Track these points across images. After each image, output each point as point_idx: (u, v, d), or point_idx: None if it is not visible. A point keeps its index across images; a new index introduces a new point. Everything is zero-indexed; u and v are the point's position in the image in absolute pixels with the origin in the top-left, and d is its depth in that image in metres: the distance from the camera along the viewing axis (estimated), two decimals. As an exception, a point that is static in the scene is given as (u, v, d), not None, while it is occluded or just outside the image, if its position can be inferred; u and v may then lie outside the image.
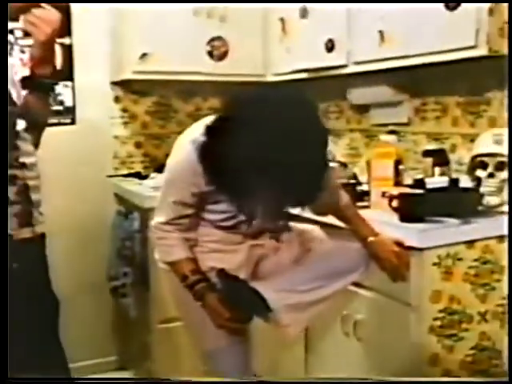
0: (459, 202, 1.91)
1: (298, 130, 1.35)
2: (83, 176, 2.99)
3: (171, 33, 2.77)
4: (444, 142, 2.46)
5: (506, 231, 1.86)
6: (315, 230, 1.85)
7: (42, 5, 1.55)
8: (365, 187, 2.26)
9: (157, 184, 2.19)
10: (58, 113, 2.93)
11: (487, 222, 1.89)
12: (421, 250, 1.79)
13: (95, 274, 2.92)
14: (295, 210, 1.65)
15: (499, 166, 2.01)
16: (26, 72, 1.63)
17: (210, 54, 2.90)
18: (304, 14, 2.70)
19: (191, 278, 1.63)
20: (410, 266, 1.76)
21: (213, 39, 2.89)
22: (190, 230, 1.67)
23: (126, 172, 3.13)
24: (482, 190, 1.99)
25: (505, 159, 1.98)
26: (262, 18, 3.00)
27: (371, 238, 1.73)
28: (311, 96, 1.44)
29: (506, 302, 1.90)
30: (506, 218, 1.86)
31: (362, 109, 2.90)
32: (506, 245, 1.88)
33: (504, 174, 1.99)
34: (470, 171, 2.11)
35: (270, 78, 2.98)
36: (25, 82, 1.63)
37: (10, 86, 1.57)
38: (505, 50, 1.93)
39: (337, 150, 3.02)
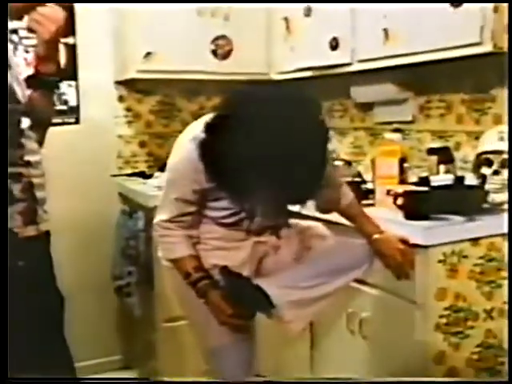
0: (464, 200, 1.90)
1: (297, 128, 1.35)
2: (87, 175, 3.00)
3: (175, 32, 2.77)
4: (449, 139, 2.46)
5: (505, 230, 1.85)
6: (319, 227, 1.85)
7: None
8: (369, 185, 2.25)
9: (161, 183, 2.18)
10: (62, 112, 2.93)
11: (492, 220, 1.88)
12: (426, 247, 1.78)
13: (99, 274, 2.93)
14: (295, 208, 1.65)
15: (504, 164, 2.00)
16: (30, 71, 1.63)
17: (214, 52, 2.90)
18: (308, 12, 2.70)
19: (194, 275, 1.64)
20: (415, 263, 1.76)
21: (217, 38, 2.89)
22: (193, 228, 1.68)
23: (130, 171, 3.14)
24: (487, 187, 1.98)
25: (510, 156, 1.98)
26: (266, 16, 3.00)
27: (376, 236, 1.74)
28: (315, 94, 1.45)
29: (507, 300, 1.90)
30: (506, 217, 1.85)
31: (366, 107, 2.90)
32: (505, 244, 1.87)
33: (509, 171, 1.98)
34: (475, 169, 2.10)
35: (274, 77, 2.98)
36: (29, 81, 1.63)
37: (14, 84, 1.57)
38: (510, 47, 1.92)
39: (341, 148, 3.02)
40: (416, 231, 1.79)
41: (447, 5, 2.01)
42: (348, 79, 2.75)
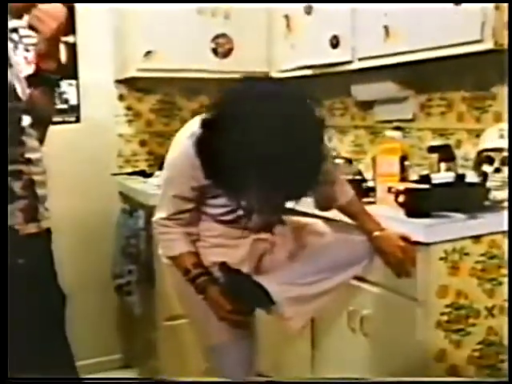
0: (465, 197, 1.90)
1: (293, 124, 1.34)
2: (88, 174, 3.00)
3: (175, 30, 2.77)
4: (449, 137, 2.45)
5: (505, 227, 1.85)
6: (318, 224, 1.85)
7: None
8: (370, 184, 2.25)
9: (161, 182, 2.19)
10: (62, 111, 2.94)
11: (493, 217, 1.88)
12: (427, 244, 1.78)
13: (100, 272, 2.93)
14: (289, 204, 1.64)
15: (505, 161, 2.00)
16: (31, 70, 1.63)
17: (215, 51, 2.90)
18: (309, 10, 2.69)
19: (193, 272, 1.64)
20: (417, 260, 1.76)
21: (217, 36, 2.89)
22: (191, 225, 1.68)
23: (130, 170, 3.14)
24: (489, 184, 1.98)
25: (510, 154, 1.97)
26: (267, 14, 3.00)
27: (377, 233, 1.74)
28: (315, 92, 1.43)
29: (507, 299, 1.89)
30: (506, 215, 1.85)
31: (367, 105, 2.89)
32: (506, 242, 1.87)
33: (510, 169, 1.98)
34: (476, 166, 2.10)
35: (275, 75, 2.97)
36: (30, 79, 1.63)
37: (15, 82, 1.57)
38: (511, 44, 1.92)
39: (342, 146, 3.02)
40: (417, 229, 1.78)
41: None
42: (349, 77, 2.75)
